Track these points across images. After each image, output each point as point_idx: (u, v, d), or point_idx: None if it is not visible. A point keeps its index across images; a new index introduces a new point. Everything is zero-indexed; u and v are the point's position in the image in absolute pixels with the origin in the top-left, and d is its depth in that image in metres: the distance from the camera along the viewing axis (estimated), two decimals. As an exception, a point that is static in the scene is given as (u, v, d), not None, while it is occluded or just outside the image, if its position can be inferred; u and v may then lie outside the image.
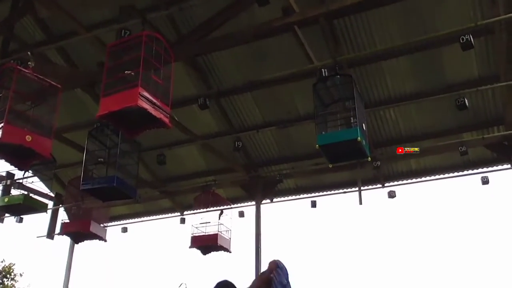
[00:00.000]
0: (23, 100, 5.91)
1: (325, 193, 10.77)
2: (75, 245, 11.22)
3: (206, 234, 9.85)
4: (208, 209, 10.20)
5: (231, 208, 10.59)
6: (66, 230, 10.21)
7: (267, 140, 10.22)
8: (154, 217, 12.57)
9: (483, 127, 8.90)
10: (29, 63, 5.94)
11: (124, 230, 12.12)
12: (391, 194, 9.69)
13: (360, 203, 9.90)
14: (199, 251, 9.86)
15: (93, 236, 10.09)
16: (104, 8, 7.46)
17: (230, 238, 9.92)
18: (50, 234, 10.99)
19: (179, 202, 11.90)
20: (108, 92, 5.19)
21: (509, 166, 8.87)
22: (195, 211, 10.55)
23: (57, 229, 10.88)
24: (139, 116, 5.19)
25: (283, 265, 4.90)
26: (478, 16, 6.87)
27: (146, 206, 12.29)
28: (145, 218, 12.61)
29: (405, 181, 10.22)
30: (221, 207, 10.23)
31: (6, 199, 9.01)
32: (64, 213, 10.80)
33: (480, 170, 9.43)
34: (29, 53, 6.13)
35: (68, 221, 10.45)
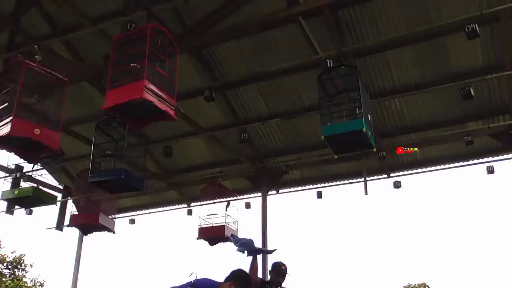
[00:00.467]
0: (30, 94, 5.93)
1: (330, 183, 10.76)
2: (84, 236, 11.30)
3: (213, 225, 9.90)
4: (214, 201, 10.25)
5: (238, 199, 10.64)
6: (75, 222, 10.29)
7: (273, 131, 10.22)
8: (161, 208, 12.62)
9: (489, 116, 8.85)
10: (36, 56, 5.96)
11: (132, 221, 12.21)
12: (397, 184, 9.70)
13: (366, 193, 9.94)
14: (206, 242, 9.92)
15: (102, 228, 10.17)
16: (109, 1, 7.45)
17: (236, 229, 9.97)
18: (59, 226, 11.09)
19: (186, 193, 11.94)
20: (114, 85, 5.22)
21: (514, 155, 8.83)
22: (202, 202, 10.61)
23: (66, 221, 10.95)
24: (145, 108, 5.21)
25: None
26: (484, 4, 6.79)
27: (154, 197, 12.35)
28: (153, 210, 12.65)
29: (410, 171, 10.18)
30: (228, 199, 10.27)
31: (16, 192, 9.11)
32: (73, 205, 10.88)
33: (485, 159, 9.39)
34: (35, 46, 6.15)
35: (77, 213, 10.53)
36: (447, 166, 9.90)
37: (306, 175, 11.09)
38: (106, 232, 10.34)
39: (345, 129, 5.98)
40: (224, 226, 9.74)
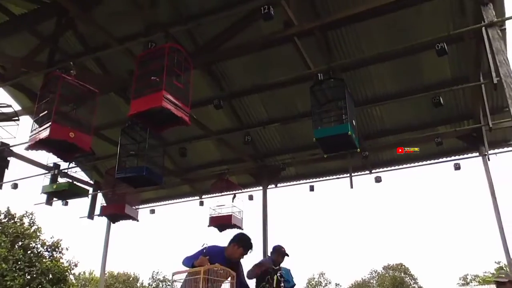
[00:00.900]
0: (66, 103, 5.94)
1: (321, 179, 10.75)
2: (112, 224, 11.30)
3: (222, 214, 9.88)
4: (222, 194, 10.24)
5: (242, 192, 10.61)
6: (104, 212, 10.27)
7: (272, 134, 10.21)
8: (177, 200, 12.62)
9: (455, 121, 8.86)
10: (71, 71, 5.96)
11: (152, 211, 12.20)
12: (378, 179, 9.67)
13: (351, 187, 9.90)
14: (216, 229, 9.91)
15: (127, 217, 10.15)
16: (133, 24, 7.46)
17: (242, 218, 9.94)
18: (90, 215, 11.08)
19: (198, 187, 11.93)
20: (137, 95, 5.21)
21: (477, 154, 8.81)
22: (212, 195, 10.59)
23: (97, 211, 10.95)
24: (164, 115, 5.21)
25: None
26: (451, 26, 6.79)
27: (170, 191, 12.35)
28: (170, 202, 12.65)
29: (389, 168, 10.18)
30: (234, 192, 10.25)
31: (54, 186, 9.10)
32: (102, 197, 10.87)
33: (453, 157, 9.37)
34: (71, 63, 6.16)
35: (105, 204, 10.52)
36: (420, 163, 9.87)
37: (300, 172, 11.08)
38: (130, 220, 10.32)
39: (333, 132, 5.96)
40: (231, 215, 9.71)
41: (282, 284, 6.01)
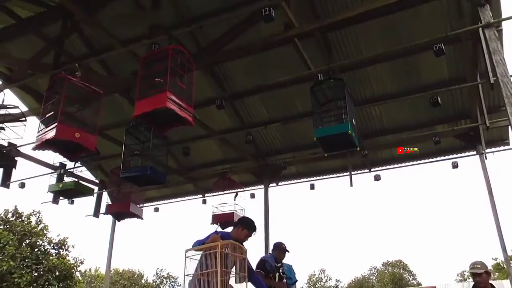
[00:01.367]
0: (72, 104, 5.95)
1: (321, 177, 10.71)
2: (117, 222, 11.30)
3: (224, 212, 9.88)
4: (225, 192, 10.24)
5: (244, 190, 10.60)
6: (110, 210, 10.28)
7: (273, 134, 10.20)
8: (180, 198, 12.60)
9: (453, 120, 8.84)
10: (76, 73, 5.98)
11: (156, 209, 12.18)
12: (377, 177, 9.67)
13: (351, 185, 9.94)
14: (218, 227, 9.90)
15: (132, 215, 10.16)
16: (136, 26, 7.46)
17: (244, 215, 9.93)
18: (96, 214, 11.09)
19: (201, 186, 11.93)
20: (142, 96, 5.23)
21: (474, 153, 8.79)
22: (214, 193, 10.59)
23: (102, 209, 10.96)
24: (168, 115, 5.23)
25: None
26: (448, 27, 6.78)
27: (174, 189, 12.33)
28: (173, 200, 12.64)
29: (388, 166, 10.15)
30: (236, 190, 10.26)
31: (60, 185, 9.13)
32: (107, 196, 10.88)
33: (450, 156, 9.36)
34: (76, 64, 6.17)
35: (110, 203, 10.53)
36: (418, 162, 9.85)
37: (301, 170, 11.06)
38: (135, 218, 10.33)
39: (333, 131, 5.96)
40: (233, 213, 9.72)
41: (285, 281, 6.01)
